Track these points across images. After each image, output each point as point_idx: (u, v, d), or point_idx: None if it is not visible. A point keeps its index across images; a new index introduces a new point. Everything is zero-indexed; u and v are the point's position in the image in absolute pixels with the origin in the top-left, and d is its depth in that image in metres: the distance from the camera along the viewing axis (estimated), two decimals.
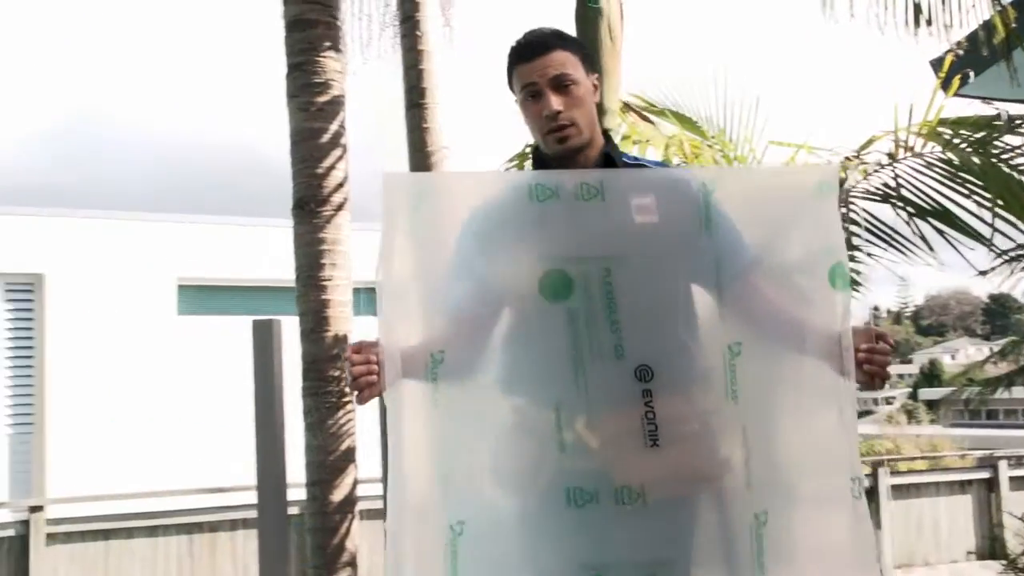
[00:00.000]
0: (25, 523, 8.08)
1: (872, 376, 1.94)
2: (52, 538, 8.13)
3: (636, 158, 2.27)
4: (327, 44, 5.05)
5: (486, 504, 2.07)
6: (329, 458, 4.90)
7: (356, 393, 1.99)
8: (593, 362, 1.98)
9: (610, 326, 1.97)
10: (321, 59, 5.02)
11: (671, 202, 2.03)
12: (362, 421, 5.30)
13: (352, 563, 5.05)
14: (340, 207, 4.97)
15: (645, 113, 5.84)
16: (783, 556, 2.00)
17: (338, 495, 4.95)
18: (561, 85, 2.09)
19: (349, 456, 4.99)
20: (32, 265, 11.90)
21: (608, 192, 2.00)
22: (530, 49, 2.12)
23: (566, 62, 2.11)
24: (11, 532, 8.10)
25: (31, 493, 11.31)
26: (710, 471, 2.04)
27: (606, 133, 2.22)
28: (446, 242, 2.06)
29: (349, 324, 5.01)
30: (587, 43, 4.14)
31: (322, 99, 4.99)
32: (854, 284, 5.06)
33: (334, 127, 5.02)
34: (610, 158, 2.16)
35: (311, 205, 4.93)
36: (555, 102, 2.07)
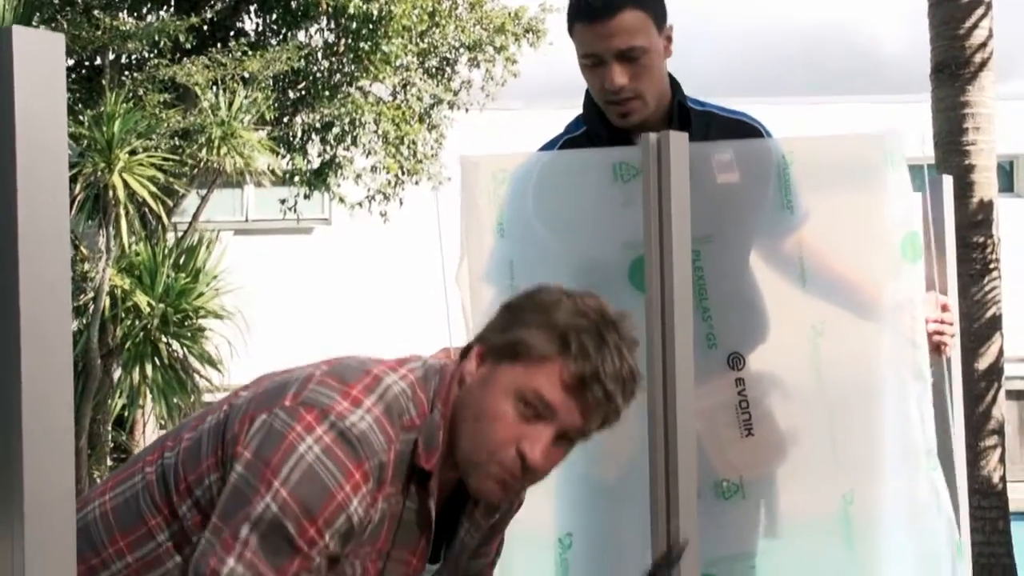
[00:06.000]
0: None
1: (939, 346, 1.89)
2: None
3: (703, 103, 1.98)
4: None
5: (591, 513, 1.95)
6: (973, 325, 4.86)
7: None
8: None
9: (701, 314, 1.82)
10: None
11: (751, 164, 1.87)
12: (1009, 290, 5.14)
13: (999, 431, 4.99)
14: (982, 67, 4.79)
15: None
16: (870, 533, 1.91)
17: (983, 363, 4.92)
18: (628, 57, 1.81)
19: (994, 324, 4.90)
20: None
21: (695, 166, 1.75)
22: (593, 8, 1.81)
23: (635, 28, 1.80)
24: None
25: None
26: (802, 457, 1.94)
27: (672, 80, 1.93)
28: (536, 231, 1.89)
29: (993, 189, 4.87)
30: None
31: None
32: None
33: None
34: (683, 109, 1.91)
35: (951, 68, 4.83)
36: (619, 75, 1.81)
